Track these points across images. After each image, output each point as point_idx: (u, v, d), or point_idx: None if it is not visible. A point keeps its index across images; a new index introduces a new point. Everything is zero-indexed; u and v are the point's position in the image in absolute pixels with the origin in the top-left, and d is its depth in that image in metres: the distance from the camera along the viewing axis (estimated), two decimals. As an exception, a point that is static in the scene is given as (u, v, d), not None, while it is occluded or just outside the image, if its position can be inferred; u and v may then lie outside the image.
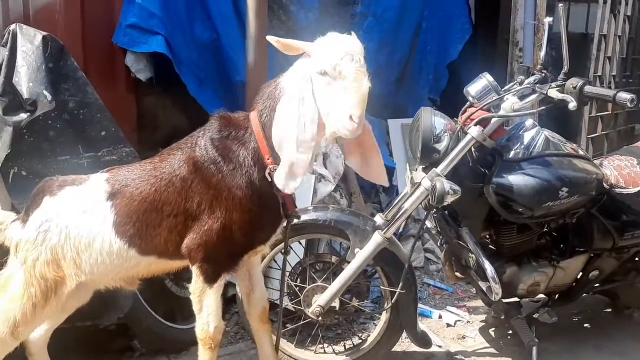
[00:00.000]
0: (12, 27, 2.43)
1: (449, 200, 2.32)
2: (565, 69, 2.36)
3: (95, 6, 3.27)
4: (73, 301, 2.22)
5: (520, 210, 2.51)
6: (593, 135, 4.27)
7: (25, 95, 2.31)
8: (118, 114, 2.89)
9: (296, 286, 2.71)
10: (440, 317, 3.39)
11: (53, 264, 2.04)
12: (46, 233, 2.03)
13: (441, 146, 2.50)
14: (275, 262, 2.76)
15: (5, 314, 2.06)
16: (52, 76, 2.44)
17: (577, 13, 5.00)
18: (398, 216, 2.52)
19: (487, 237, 2.84)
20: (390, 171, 3.94)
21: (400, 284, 2.55)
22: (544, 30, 2.68)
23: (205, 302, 2.03)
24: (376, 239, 2.52)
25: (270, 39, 1.93)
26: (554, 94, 2.29)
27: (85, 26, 3.24)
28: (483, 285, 2.64)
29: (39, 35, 2.40)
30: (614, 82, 4.35)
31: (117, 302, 2.64)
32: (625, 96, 2.28)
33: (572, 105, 2.19)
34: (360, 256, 2.53)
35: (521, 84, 2.62)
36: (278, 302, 2.43)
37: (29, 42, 2.37)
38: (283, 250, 2.26)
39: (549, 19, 2.71)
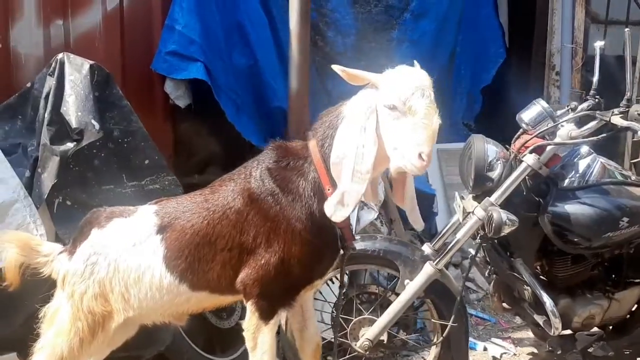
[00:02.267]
0: (60, 55, 2.42)
1: (506, 230, 2.24)
2: (629, 94, 2.28)
3: (134, 33, 3.28)
4: (120, 335, 2.16)
5: (578, 240, 2.42)
6: (635, 160, 4.17)
7: (74, 125, 2.28)
8: (155, 140, 2.87)
9: (343, 318, 2.62)
10: (485, 349, 3.28)
11: (101, 297, 1.98)
12: (94, 266, 1.98)
13: (494, 174, 2.42)
14: (320, 293, 2.68)
15: (51, 349, 2.01)
16: (98, 105, 2.42)
17: (612, 35, 4.93)
18: (450, 246, 2.44)
19: (538, 267, 2.75)
20: (430, 198, 3.86)
21: (452, 317, 2.46)
22: (596, 54, 2.61)
23: (259, 339, 1.95)
24: (427, 270, 2.43)
25: (336, 68, 1.88)
26: (617, 120, 2.21)
27: (124, 53, 3.24)
28: (539, 318, 2.54)
29: (86, 64, 2.39)
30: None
31: (159, 335, 2.57)
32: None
33: (640, 133, 2.11)
34: (411, 288, 2.45)
35: (574, 109, 2.54)
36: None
37: (77, 71, 2.36)
38: (331, 282, 2.18)
39: (600, 43, 2.64)
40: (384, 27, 3.96)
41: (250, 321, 1.96)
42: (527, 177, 2.41)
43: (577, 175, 2.47)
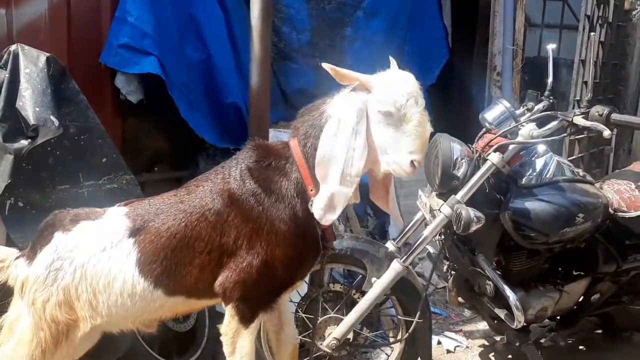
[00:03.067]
0: (13, 47, 2.26)
1: (474, 227, 2.30)
2: (589, 96, 2.39)
3: (81, 25, 3.12)
4: (83, 344, 2.04)
5: (536, 236, 2.51)
6: (571, 158, 4.39)
7: (32, 121, 2.13)
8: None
9: (306, 317, 2.60)
10: (439, 342, 3.35)
11: (65, 305, 1.87)
12: (57, 271, 1.86)
13: (459, 173, 2.47)
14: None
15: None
16: (54, 99, 2.28)
17: (549, 38, 5.17)
18: (417, 244, 2.47)
19: (494, 262, 2.83)
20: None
21: (418, 313, 2.49)
22: (549, 56, 2.72)
23: (239, 343, 1.90)
24: (395, 267, 2.45)
25: (326, 66, 1.86)
26: (580, 121, 2.31)
27: (70, 45, 3.07)
28: (500, 312, 2.62)
29: (42, 57, 2.24)
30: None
31: (116, 341, 2.46)
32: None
33: (607, 133, 2.21)
34: (378, 285, 2.46)
35: (530, 109, 2.64)
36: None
37: (33, 64, 2.20)
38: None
39: (552, 46, 2.76)
40: (337, 24, 3.95)
41: (229, 325, 1.91)
42: (490, 176, 2.48)
43: (535, 173, 2.56)
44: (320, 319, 2.56)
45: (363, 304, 2.47)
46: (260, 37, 2.89)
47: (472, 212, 2.30)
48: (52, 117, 2.15)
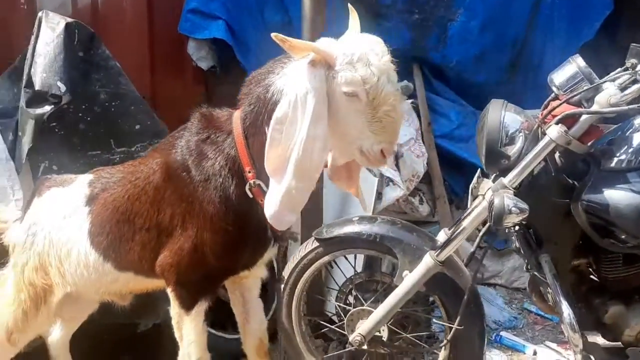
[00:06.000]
0: (40, 13, 2.32)
1: (511, 220, 1.81)
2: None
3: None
4: (83, 308, 2.06)
5: (621, 235, 1.89)
6: None
7: (37, 87, 2.18)
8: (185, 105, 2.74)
9: (341, 307, 2.33)
10: (535, 353, 2.80)
11: (41, 270, 1.89)
12: (34, 237, 1.89)
13: (512, 150, 1.95)
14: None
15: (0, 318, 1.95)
16: (82, 65, 2.30)
17: None
18: (454, 235, 2.03)
19: (588, 265, 2.23)
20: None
21: (458, 318, 2.07)
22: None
23: (184, 330, 1.75)
24: (426, 261, 2.06)
25: (275, 37, 1.53)
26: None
27: (151, 15, 3.11)
28: (563, 328, 2.06)
29: (62, 23, 2.26)
30: None
31: (154, 308, 2.46)
32: None
33: None
34: (408, 281, 2.09)
35: (633, 68, 1.97)
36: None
37: (51, 30, 2.24)
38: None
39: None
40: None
41: (173, 310, 1.76)
42: (558, 155, 1.92)
43: (630, 153, 1.91)
44: (352, 311, 2.28)
45: (391, 300, 2.12)
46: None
47: (511, 201, 1.80)
48: (58, 83, 2.17)
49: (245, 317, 1.93)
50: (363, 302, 2.28)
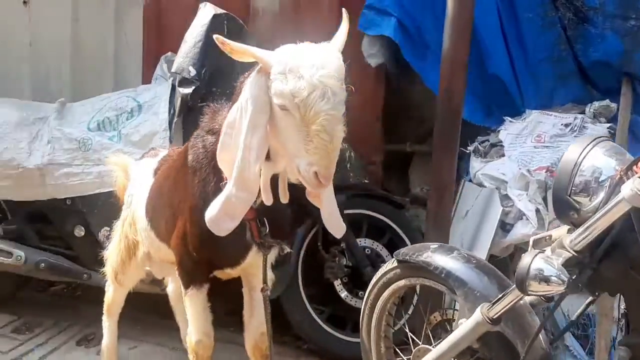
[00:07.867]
0: (202, 4, 2.60)
1: (537, 290, 1.43)
2: None
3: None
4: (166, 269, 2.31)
5: None
6: None
7: (173, 69, 2.48)
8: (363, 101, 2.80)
9: (412, 338, 2.15)
10: None
11: (133, 226, 2.18)
12: (131, 196, 2.20)
13: (590, 201, 1.52)
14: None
15: (110, 257, 2.32)
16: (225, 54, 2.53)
17: None
18: (510, 289, 1.68)
19: None
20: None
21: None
22: None
23: (185, 303, 1.86)
24: (475, 315, 1.75)
25: (216, 38, 1.52)
26: None
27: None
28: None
29: (210, 13, 2.49)
30: None
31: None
32: None
33: None
34: (457, 333, 1.82)
35: None
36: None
37: (200, 20, 2.50)
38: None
39: None
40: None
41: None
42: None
43: None
44: (419, 346, 2.08)
45: (439, 350, 1.88)
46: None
47: (551, 268, 1.42)
48: (190, 67, 2.42)
49: (251, 314, 1.94)
50: (432, 340, 2.07)
